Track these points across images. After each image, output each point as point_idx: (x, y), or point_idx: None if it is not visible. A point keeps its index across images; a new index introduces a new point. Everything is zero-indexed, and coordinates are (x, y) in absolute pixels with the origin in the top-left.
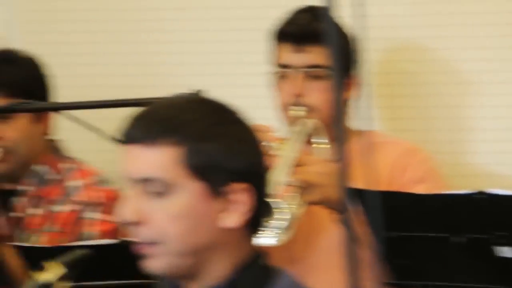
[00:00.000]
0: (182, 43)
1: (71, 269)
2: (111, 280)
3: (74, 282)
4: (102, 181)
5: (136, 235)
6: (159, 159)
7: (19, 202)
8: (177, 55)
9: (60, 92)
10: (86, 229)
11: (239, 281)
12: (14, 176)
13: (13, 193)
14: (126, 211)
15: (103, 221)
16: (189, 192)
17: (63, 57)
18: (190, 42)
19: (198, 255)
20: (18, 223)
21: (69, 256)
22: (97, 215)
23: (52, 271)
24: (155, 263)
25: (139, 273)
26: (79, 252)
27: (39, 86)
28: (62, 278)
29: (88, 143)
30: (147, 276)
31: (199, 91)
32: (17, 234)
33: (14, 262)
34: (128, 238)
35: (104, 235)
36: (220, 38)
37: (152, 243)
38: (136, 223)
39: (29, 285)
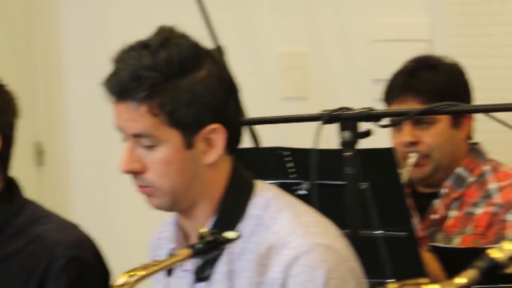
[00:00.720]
0: None
1: None
2: None
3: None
4: None
5: None
6: None
7: (439, 204)
8: None
9: (477, 94)
10: (505, 231)
11: None
12: (434, 180)
13: (434, 195)
14: None
15: None
16: None
17: (485, 59)
18: None
19: None
20: (438, 225)
21: None
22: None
23: (506, 250)
24: None
25: None
26: None
27: (461, 93)
28: None
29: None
30: None
31: None
32: (438, 236)
33: (432, 264)
34: None
35: None
36: None
37: None
38: None
39: (483, 260)
